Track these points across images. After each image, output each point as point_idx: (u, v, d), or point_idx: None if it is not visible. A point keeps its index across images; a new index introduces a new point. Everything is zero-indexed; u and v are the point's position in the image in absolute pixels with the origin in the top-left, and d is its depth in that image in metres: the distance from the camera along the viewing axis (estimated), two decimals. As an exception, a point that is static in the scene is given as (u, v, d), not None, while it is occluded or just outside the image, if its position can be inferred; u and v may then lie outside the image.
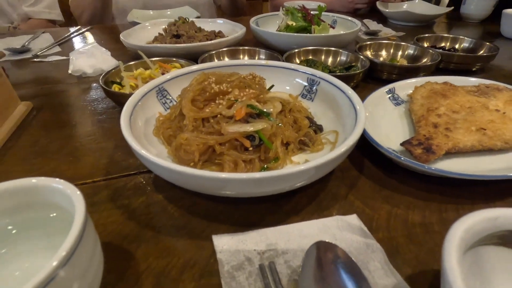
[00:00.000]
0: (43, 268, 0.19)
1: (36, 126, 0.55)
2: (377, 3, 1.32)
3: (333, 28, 0.94)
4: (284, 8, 0.94)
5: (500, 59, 0.88)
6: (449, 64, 0.76)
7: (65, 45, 0.99)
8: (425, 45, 0.87)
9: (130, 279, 0.30)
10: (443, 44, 0.87)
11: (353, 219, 0.36)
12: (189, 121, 0.42)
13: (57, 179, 0.25)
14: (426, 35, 0.87)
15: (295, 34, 0.81)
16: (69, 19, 1.46)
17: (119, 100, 0.58)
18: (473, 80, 0.61)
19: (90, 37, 1.07)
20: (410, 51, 0.80)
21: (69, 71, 0.77)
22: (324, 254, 0.28)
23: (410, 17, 1.20)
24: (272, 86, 0.53)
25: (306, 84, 0.56)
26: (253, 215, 0.37)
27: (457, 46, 0.86)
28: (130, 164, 0.45)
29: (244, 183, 0.32)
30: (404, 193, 0.41)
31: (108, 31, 1.17)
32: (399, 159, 0.41)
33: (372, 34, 1.08)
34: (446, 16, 1.23)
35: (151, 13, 1.17)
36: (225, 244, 0.33)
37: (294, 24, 0.86)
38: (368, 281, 0.26)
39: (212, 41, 0.74)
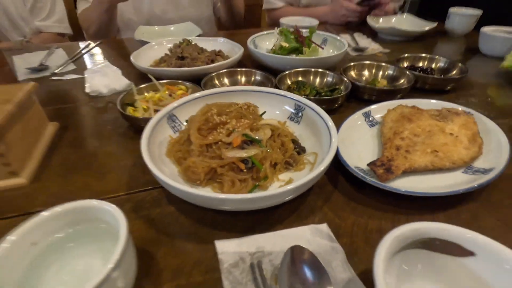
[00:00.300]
0: (101, 268, 0.29)
1: (64, 145, 0.65)
2: (367, 17, 1.41)
3: (323, 48, 1.03)
4: (278, 29, 1.04)
5: (474, 75, 0.98)
6: (424, 84, 0.86)
7: (79, 61, 1.09)
8: (405, 64, 0.96)
9: (154, 273, 0.40)
10: (421, 64, 0.97)
11: (323, 227, 0.46)
12: (196, 147, 0.52)
13: (107, 202, 0.35)
14: (406, 55, 0.97)
15: (287, 56, 0.90)
16: (78, 32, 1.55)
17: (134, 122, 0.68)
18: (438, 103, 0.71)
19: (100, 54, 1.17)
20: (390, 72, 0.89)
21: (86, 90, 0.86)
22: (297, 255, 0.38)
23: (397, 33, 1.29)
24: (264, 112, 0.63)
25: (293, 110, 0.66)
26: (247, 225, 0.47)
27: (433, 66, 0.96)
28: (147, 180, 0.55)
29: (239, 201, 0.42)
30: (367, 205, 0.51)
31: (116, 46, 1.26)
32: (364, 179, 0.51)
33: (360, 50, 1.17)
34: (433, 30, 1.31)
35: (156, 29, 1.26)
36: (224, 247, 0.43)
37: (287, 45, 0.96)
38: (328, 275, 0.36)
39: (213, 65, 0.84)
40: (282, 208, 0.49)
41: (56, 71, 0.99)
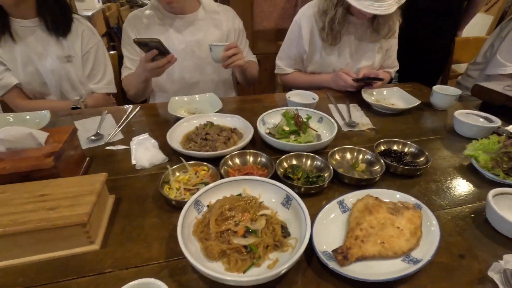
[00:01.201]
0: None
1: (120, 216, 0.91)
2: (362, 91, 1.65)
3: (316, 131, 1.28)
4: (282, 112, 1.30)
5: (443, 157, 1.19)
6: (396, 171, 1.08)
7: (125, 129, 1.38)
8: (382, 148, 1.19)
9: (183, 325, 0.64)
10: (395, 147, 1.19)
11: (295, 299, 0.68)
12: (213, 233, 0.76)
13: (162, 282, 0.60)
14: (382, 140, 1.19)
15: (286, 142, 1.16)
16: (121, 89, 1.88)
17: (168, 201, 0.94)
18: (394, 193, 0.92)
19: (140, 122, 1.46)
20: (368, 157, 1.12)
21: (133, 162, 1.14)
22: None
23: (387, 108, 1.52)
24: (262, 201, 0.87)
25: (285, 197, 0.90)
26: (244, 292, 0.70)
27: (406, 150, 1.18)
28: (178, 251, 0.79)
29: (238, 282, 0.65)
30: (329, 281, 0.73)
31: (152, 113, 1.56)
32: (327, 265, 0.73)
33: (352, 126, 1.41)
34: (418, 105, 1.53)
35: (185, 99, 1.56)
36: (228, 309, 0.66)
37: (288, 129, 1.21)
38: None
39: (228, 149, 1.10)
40: (270, 282, 0.72)
41: (108, 140, 1.28)
